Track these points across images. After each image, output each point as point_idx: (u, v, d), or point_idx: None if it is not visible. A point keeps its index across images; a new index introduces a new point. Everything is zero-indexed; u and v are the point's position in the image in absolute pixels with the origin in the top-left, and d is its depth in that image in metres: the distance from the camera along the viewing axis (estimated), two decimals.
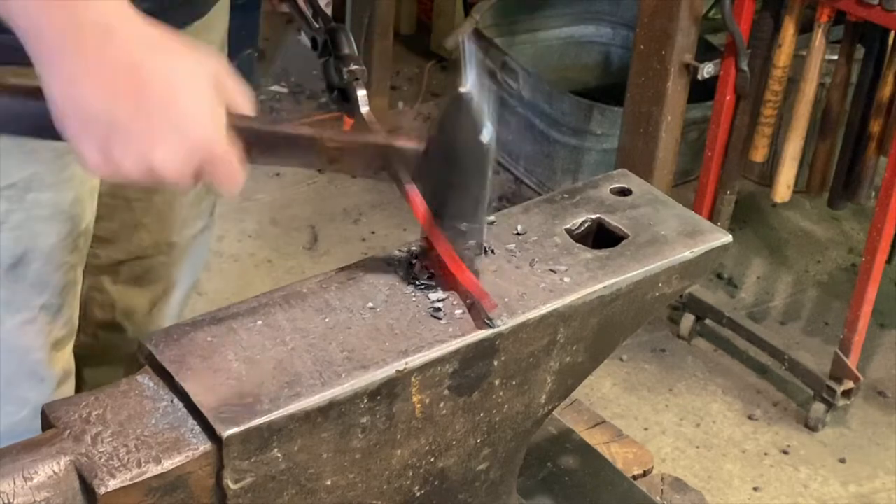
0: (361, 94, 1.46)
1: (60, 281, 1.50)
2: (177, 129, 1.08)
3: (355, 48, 1.49)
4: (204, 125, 1.09)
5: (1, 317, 1.47)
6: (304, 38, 1.57)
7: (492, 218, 1.34)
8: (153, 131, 1.07)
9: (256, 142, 1.15)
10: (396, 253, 1.28)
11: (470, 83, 1.16)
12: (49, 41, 1.06)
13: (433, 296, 1.23)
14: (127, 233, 1.71)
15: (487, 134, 1.17)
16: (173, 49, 1.10)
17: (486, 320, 1.20)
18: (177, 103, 1.07)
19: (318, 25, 1.51)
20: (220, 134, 1.10)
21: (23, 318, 1.49)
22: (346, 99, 1.47)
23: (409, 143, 1.20)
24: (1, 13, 1.07)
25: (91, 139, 1.08)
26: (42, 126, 1.10)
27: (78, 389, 1.65)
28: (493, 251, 1.29)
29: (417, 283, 1.24)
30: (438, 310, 1.21)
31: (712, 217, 3.05)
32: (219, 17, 1.63)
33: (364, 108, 1.45)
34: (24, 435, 1.10)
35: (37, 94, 1.09)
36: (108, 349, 1.81)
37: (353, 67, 1.47)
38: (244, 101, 1.15)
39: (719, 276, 3.49)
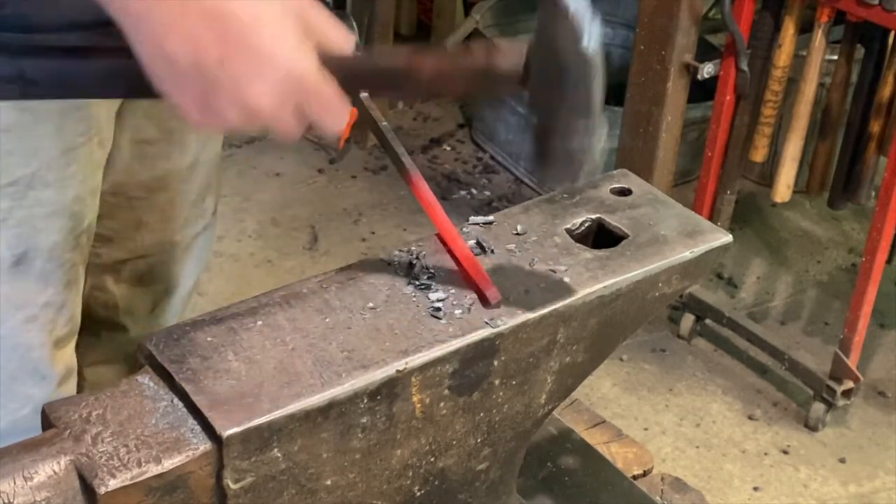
0: None
1: (62, 279, 1.50)
2: (264, 64, 1.06)
3: (359, 36, 1.48)
4: (290, 57, 1.07)
5: (3, 314, 1.47)
6: None
7: (491, 218, 1.34)
8: (241, 73, 1.06)
9: (352, 77, 1.12)
10: (396, 253, 1.28)
11: None
12: (133, 4, 1.06)
13: (433, 296, 1.23)
14: (129, 232, 1.71)
15: (588, 40, 1.14)
16: None
17: (487, 320, 1.20)
18: (260, 40, 1.06)
19: None
20: (310, 65, 1.08)
21: (25, 315, 1.48)
22: None
23: (509, 63, 1.13)
24: None
25: (187, 95, 1.08)
26: (144, 85, 1.09)
27: (79, 388, 1.65)
28: (493, 251, 1.30)
29: (417, 283, 1.24)
30: (438, 310, 1.21)
31: (712, 217, 3.05)
32: None
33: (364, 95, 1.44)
34: (26, 432, 1.10)
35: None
36: (110, 348, 1.82)
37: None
38: (338, 38, 1.13)
39: (719, 276, 3.49)
